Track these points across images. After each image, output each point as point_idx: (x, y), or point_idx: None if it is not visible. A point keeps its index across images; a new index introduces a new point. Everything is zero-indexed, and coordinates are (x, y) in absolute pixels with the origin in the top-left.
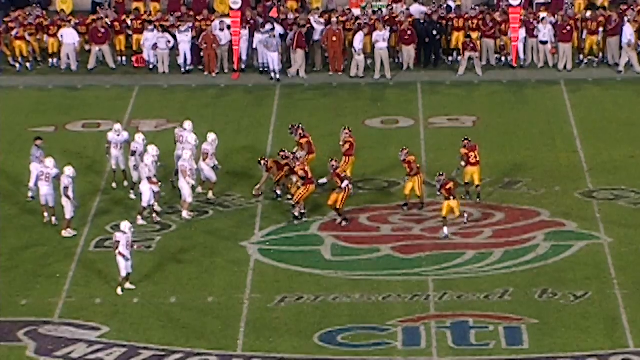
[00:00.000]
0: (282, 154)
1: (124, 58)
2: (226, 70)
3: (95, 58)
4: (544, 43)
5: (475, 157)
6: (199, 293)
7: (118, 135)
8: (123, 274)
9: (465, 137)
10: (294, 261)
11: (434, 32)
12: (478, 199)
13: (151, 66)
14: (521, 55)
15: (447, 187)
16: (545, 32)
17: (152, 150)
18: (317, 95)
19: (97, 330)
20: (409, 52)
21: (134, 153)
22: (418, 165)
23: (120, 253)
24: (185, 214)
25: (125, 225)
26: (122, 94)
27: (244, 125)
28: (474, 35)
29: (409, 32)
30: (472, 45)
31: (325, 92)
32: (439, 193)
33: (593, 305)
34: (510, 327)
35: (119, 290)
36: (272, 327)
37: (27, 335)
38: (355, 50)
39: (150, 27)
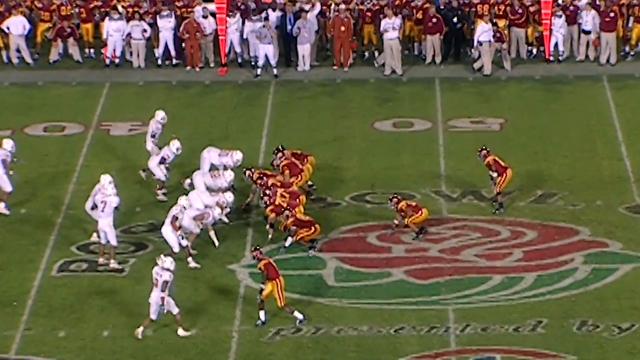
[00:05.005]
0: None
1: (92, 50)
2: (212, 64)
3: (58, 49)
4: (587, 33)
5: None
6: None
7: (161, 124)
8: (175, 311)
9: (483, 147)
10: (291, 287)
11: (455, 20)
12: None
13: (117, 61)
14: (560, 47)
15: (264, 264)
16: (588, 19)
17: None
18: (319, 93)
19: None
20: (433, 43)
21: (163, 161)
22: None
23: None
24: (191, 262)
25: (168, 261)
26: (90, 91)
27: (233, 128)
28: (501, 23)
29: (434, 19)
30: (498, 35)
31: (328, 89)
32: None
33: None
34: None
35: (139, 331)
36: None
37: None
38: (480, 44)
39: (116, 16)
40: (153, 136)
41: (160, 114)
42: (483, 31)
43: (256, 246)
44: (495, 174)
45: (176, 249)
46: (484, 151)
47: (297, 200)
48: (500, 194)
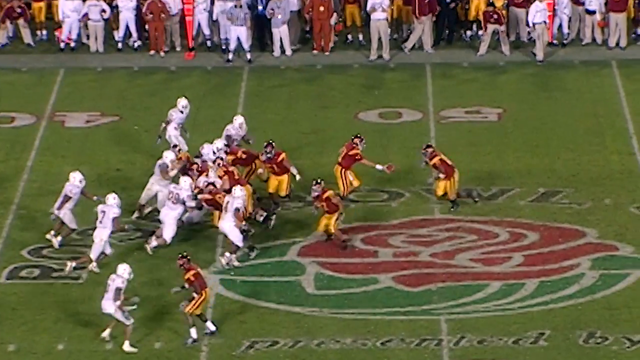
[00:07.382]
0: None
1: (44, 32)
2: (178, 49)
3: (7, 32)
4: (592, 13)
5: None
6: (144, 337)
7: (182, 112)
8: (128, 322)
9: (429, 144)
10: (266, 295)
11: (448, 0)
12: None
13: (72, 44)
14: (565, 28)
15: (194, 274)
16: None
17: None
18: (297, 80)
19: None
20: (425, 25)
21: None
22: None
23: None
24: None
25: (121, 267)
26: (42, 78)
27: (201, 119)
28: (499, 3)
29: None
30: (496, 16)
31: (307, 76)
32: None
33: None
34: None
35: (126, 345)
36: None
37: None
38: (531, 25)
39: None
40: (176, 127)
41: (181, 102)
42: (537, 11)
43: (183, 254)
44: (442, 175)
45: (241, 243)
46: (430, 149)
47: None
48: (457, 194)
